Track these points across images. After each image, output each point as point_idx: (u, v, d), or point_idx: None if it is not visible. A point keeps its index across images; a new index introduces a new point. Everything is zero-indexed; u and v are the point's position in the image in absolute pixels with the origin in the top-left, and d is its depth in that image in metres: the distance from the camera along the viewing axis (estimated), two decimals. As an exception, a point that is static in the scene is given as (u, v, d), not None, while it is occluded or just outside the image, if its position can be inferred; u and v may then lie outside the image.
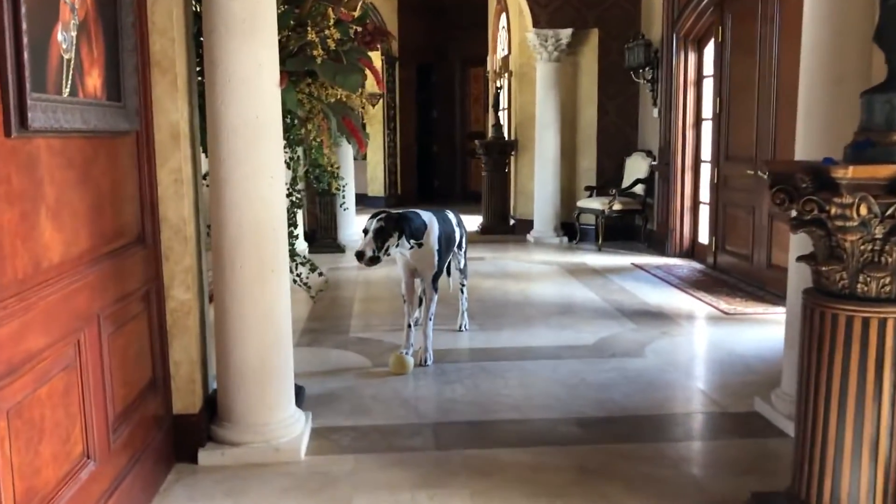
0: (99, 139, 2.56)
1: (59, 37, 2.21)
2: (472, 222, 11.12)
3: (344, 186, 4.00)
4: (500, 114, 11.09)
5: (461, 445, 3.45)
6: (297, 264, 3.88)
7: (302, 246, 8.82)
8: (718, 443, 3.53)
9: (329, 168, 3.79)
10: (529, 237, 9.82)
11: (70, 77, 2.28)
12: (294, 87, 3.54)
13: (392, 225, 4.33)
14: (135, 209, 2.97)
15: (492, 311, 6.04)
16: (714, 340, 5.18)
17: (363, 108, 8.11)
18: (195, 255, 3.29)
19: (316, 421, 3.71)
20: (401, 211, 4.52)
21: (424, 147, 15.63)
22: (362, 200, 14.10)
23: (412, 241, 4.43)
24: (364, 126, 3.95)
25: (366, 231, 4.30)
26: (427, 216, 4.62)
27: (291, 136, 3.75)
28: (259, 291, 3.25)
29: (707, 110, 8.07)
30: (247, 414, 3.31)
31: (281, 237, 3.33)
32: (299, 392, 3.95)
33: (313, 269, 3.90)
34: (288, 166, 3.78)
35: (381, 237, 4.27)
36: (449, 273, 5.52)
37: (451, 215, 5.00)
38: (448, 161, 15.84)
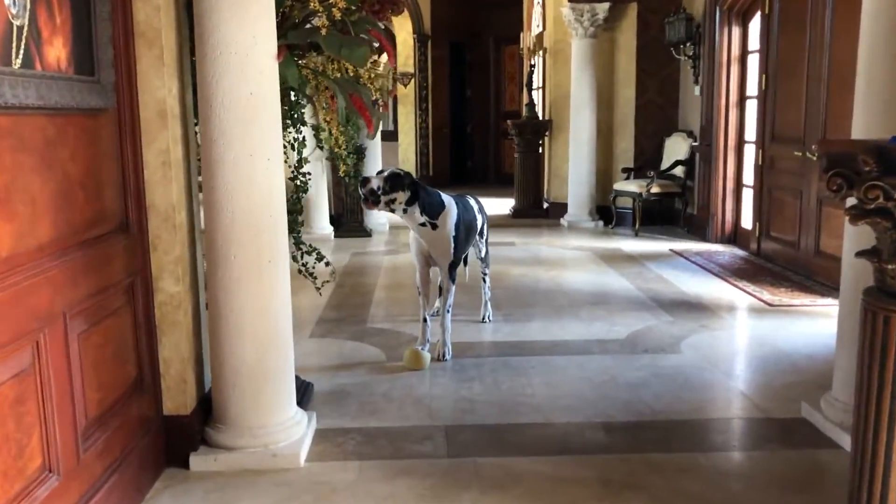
0: (65, 117, 2.31)
1: (7, 0, 1.95)
2: (505, 206, 10.81)
3: (354, 167, 3.71)
4: (534, 93, 10.70)
5: (475, 452, 3.16)
6: (302, 253, 3.62)
7: (327, 230, 8.64)
8: (761, 453, 3.19)
9: (337, 149, 3.49)
10: (563, 221, 9.46)
11: (23, 46, 2.02)
12: (296, 62, 3.26)
13: (409, 182, 4.09)
14: (116, 195, 2.72)
15: (519, 300, 5.72)
16: (757, 335, 4.80)
17: (390, 88, 7.79)
18: (187, 244, 3.03)
19: (321, 421, 3.46)
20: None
21: (457, 128, 15.29)
22: (394, 182, 13.84)
23: (425, 217, 4.14)
24: (376, 103, 3.62)
25: (380, 173, 4.07)
26: (447, 199, 4.32)
27: (296, 114, 3.47)
28: (255, 284, 2.98)
29: (752, 88, 7.61)
30: (242, 416, 3.06)
31: (280, 225, 3.06)
32: (307, 389, 3.71)
33: (320, 258, 3.63)
34: (293, 147, 3.51)
35: (392, 183, 4.01)
36: (465, 262, 5.23)
37: (472, 202, 4.70)
38: (482, 142, 15.49)
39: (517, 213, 10.20)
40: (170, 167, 2.91)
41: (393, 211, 4.06)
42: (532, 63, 10.77)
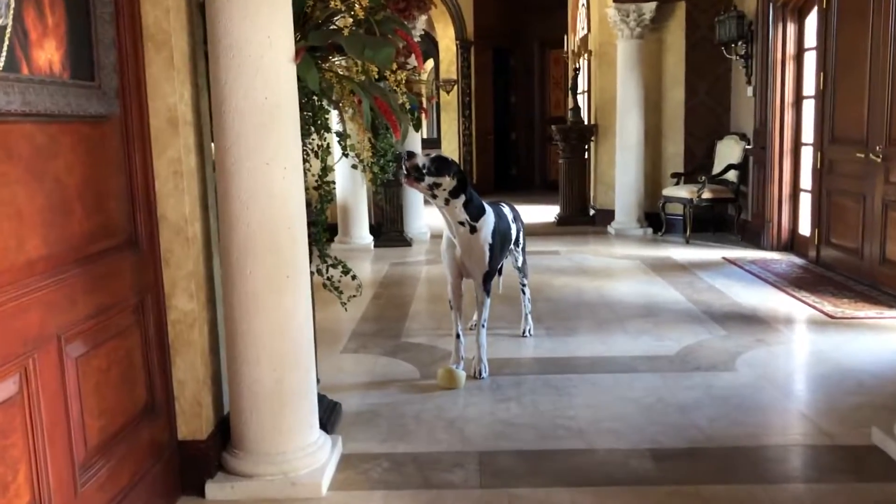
0: (59, 125, 2.15)
1: (-14, -1, 1.80)
2: (550, 213, 10.53)
3: (385, 176, 3.51)
4: (579, 97, 10.42)
5: (509, 482, 2.92)
6: (327, 266, 3.42)
7: (367, 240, 8.48)
8: (828, 486, 2.87)
9: (364, 157, 3.29)
10: (610, 229, 9.14)
11: (5, 48, 1.86)
12: (317, 64, 3.07)
13: (456, 170, 3.94)
14: (123, 207, 2.56)
15: (562, 312, 5.46)
16: (818, 351, 4.46)
17: (430, 94, 7.59)
18: (202, 258, 2.86)
19: (348, 445, 3.26)
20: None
21: (502, 134, 15.05)
22: (437, 191, 13.67)
23: (466, 217, 3.94)
24: (405, 107, 3.42)
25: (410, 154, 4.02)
26: (485, 205, 4.11)
27: (319, 120, 3.29)
28: (273, 301, 2.80)
29: (809, 87, 7.22)
30: (260, 442, 2.87)
31: (299, 238, 2.86)
32: (334, 410, 3.52)
33: (346, 271, 3.43)
34: (316, 155, 3.32)
35: (439, 165, 3.88)
36: (500, 272, 4.98)
37: (506, 210, 4.46)
38: (527, 148, 15.24)
39: (562, 221, 9.91)
40: (182, 177, 2.74)
41: (435, 197, 3.89)
42: (576, 66, 10.50)
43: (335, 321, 5.28)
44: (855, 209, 6.25)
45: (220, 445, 2.96)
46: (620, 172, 8.98)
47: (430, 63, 14.52)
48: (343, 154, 3.35)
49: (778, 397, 3.74)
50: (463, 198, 3.93)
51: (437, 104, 13.73)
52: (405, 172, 3.84)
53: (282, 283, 2.80)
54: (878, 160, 5.79)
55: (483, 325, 4.17)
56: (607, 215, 9.40)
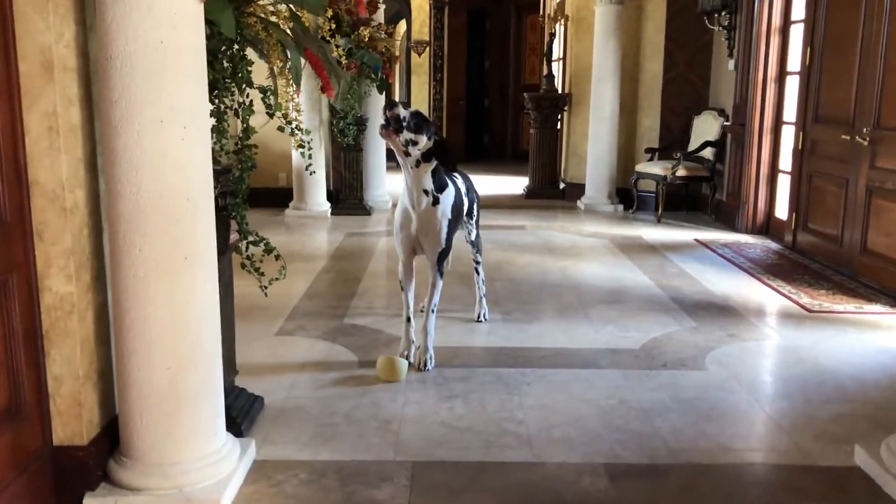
0: None
1: None
2: (519, 185, 10.12)
3: (310, 143, 3.05)
4: (554, 64, 9.95)
5: (442, 502, 2.53)
6: (247, 244, 2.97)
7: (324, 207, 8.00)
8: (804, 516, 2.53)
9: (283, 115, 2.82)
10: (580, 204, 8.75)
11: None
12: (235, 6, 2.59)
13: (434, 132, 3.57)
14: (-23, 169, 2.09)
15: (523, 295, 5.06)
16: (795, 348, 4.11)
17: (392, 55, 7.07)
18: (85, 232, 2.41)
19: (264, 450, 2.85)
20: None
21: (474, 101, 14.53)
22: (404, 157, 13.18)
23: (432, 188, 3.60)
24: (341, 62, 2.96)
25: (391, 103, 3.53)
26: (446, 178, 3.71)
27: (241, 73, 2.81)
28: (167, 286, 2.35)
29: (794, 63, 6.82)
30: (152, 449, 2.44)
31: (202, 211, 2.41)
32: (252, 406, 3.10)
33: (268, 249, 2.98)
34: (236, 114, 2.84)
35: (418, 122, 3.50)
36: None
37: (459, 183, 4.03)
38: (500, 117, 14.74)
39: (531, 194, 9.50)
40: (59, 135, 2.27)
41: (407, 156, 3.52)
42: (552, 32, 10.00)
43: (275, 297, 4.80)
44: (836, 194, 5.90)
45: (108, 452, 2.53)
46: (593, 145, 8.56)
47: (402, 25, 13.93)
48: (268, 114, 2.87)
49: (750, 403, 3.38)
50: (433, 163, 3.56)
51: (408, 67, 13.17)
52: (384, 122, 3.41)
53: (178, 266, 2.35)
54: (865, 143, 5.43)
55: (433, 311, 3.77)
56: (578, 189, 9.00)
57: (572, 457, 2.85)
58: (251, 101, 2.87)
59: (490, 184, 10.68)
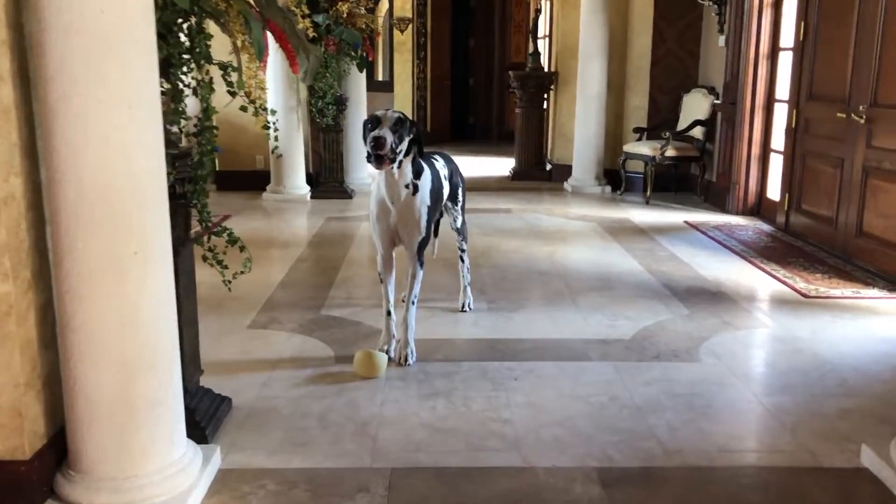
0: None
1: None
2: (505, 166, 9.89)
3: (275, 123, 2.81)
4: (540, 42, 9.70)
5: (423, 516, 2.34)
6: (209, 234, 2.74)
7: (303, 190, 7.75)
8: (811, 524, 2.35)
9: (246, 93, 2.59)
10: (567, 185, 8.54)
11: None
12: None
13: (410, 126, 3.27)
14: None
15: (509, 282, 4.86)
16: (793, 338, 3.93)
17: (372, 31, 6.77)
18: (24, 225, 2.18)
19: (230, 458, 2.64)
20: None
21: (459, 80, 14.27)
22: (387, 137, 12.90)
23: (412, 178, 3.37)
24: (308, 35, 2.72)
25: (375, 119, 3.19)
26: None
27: (199, 48, 2.56)
28: (115, 284, 2.12)
29: (787, 38, 6.61)
30: (102, 462, 2.23)
31: (153, 201, 2.18)
32: (220, 408, 2.89)
33: (232, 240, 2.76)
34: (195, 93, 2.60)
35: (401, 132, 3.20)
36: (436, 234, 4.35)
37: (440, 164, 3.80)
38: (485, 96, 14.48)
39: (517, 176, 9.28)
40: (-12, 115, 2.03)
41: (396, 165, 3.26)
42: (538, 7, 9.74)
43: (248, 287, 4.59)
44: (831, 174, 5.72)
45: (55, 466, 2.31)
46: (580, 125, 8.34)
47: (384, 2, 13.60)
48: (229, 92, 2.63)
49: (748, 398, 3.20)
50: (413, 154, 3.31)
51: (390, 45, 12.86)
52: (369, 151, 3.13)
53: (127, 261, 2.13)
54: (861, 121, 5.24)
55: (413, 303, 3.55)
56: (565, 171, 8.79)
57: (562, 461, 2.65)
58: (211, 78, 2.63)
59: (475, 165, 10.46)
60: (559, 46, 9.11)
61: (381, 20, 11.94)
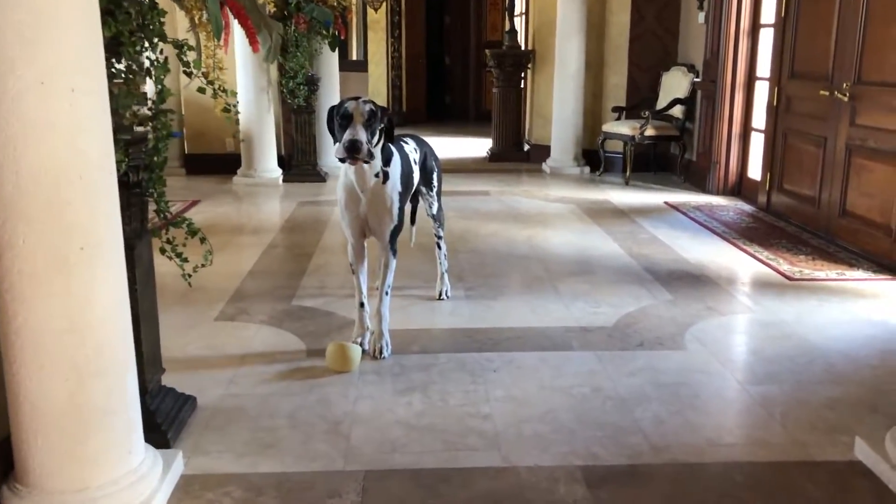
0: None
1: None
2: (482, 147, 9.74)
3: (236, 105, 2.63)
4: (517, 19, 9.52)
5: (398, 523, 2.21)
6: (167, 225, 2.57)
7: (275, 174, 7.55)
8: (804, 522, 2.25)
9: (204, 73, 2.41)
10: (545, 167, 8.40)
11: None
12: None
13: (381, 115, 3.05)
14: None
15: (488, 268, 4.73)
16: (779, 322, 3.83)
17: (344, 8, 6.55)
18: (-42, 219, 1.99)
19: (194, 462, 2.49)
20: None
21: (435, 59, 14.05)
22: (362, 118, 12.67)
23: (381, 166, 3.18)
24: (264, 9, 2.54)
25: (345, 115, 2.96)
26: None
27: (152, 25, 2.38)
28: (61, 283, 1.95)
29: (768, 14, 6.50)
30: (51, 475, 2.06)
31: (102, 191, 2.01)
32: (183, 409, 2.73)
33: (192, 231, 2.59)
34: (149, 74, 2.42)
35: (373, 125, 3.00)
36: (413, 221, 4.22)
37: (410, 147, 3.63)
38: (461, 75, 14.28)
39: (494, 157, 9.13)
40: (-86, 100, 1.84)
41: (370, 156, 3.04)
42: (514, -16, 9.55)
43: (216, 276, 4.43)
44: (813, 153, 5.63)
45: (1, 478, 2.15)
46: (558, 105, 8.19)
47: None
48: (185, 73, 2.45)
49: (735, 387, 3.10)
50: (383, 141, 3.13)
51: (364, 23, 12.59)
52: (344, 151, 2.94)
53: (73, 257, 1.95)
54: (845, 99, 5.14)
55: (387, 293, 3.40)
56: (543, 151, 8.64)
57: (545, 459, 2.53)
58: (166, 58, 2.45)
59: (452, 146, 10.31)
60: (536, 24, 8.94)
61: (354, -2, 11.69)
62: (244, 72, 7.17)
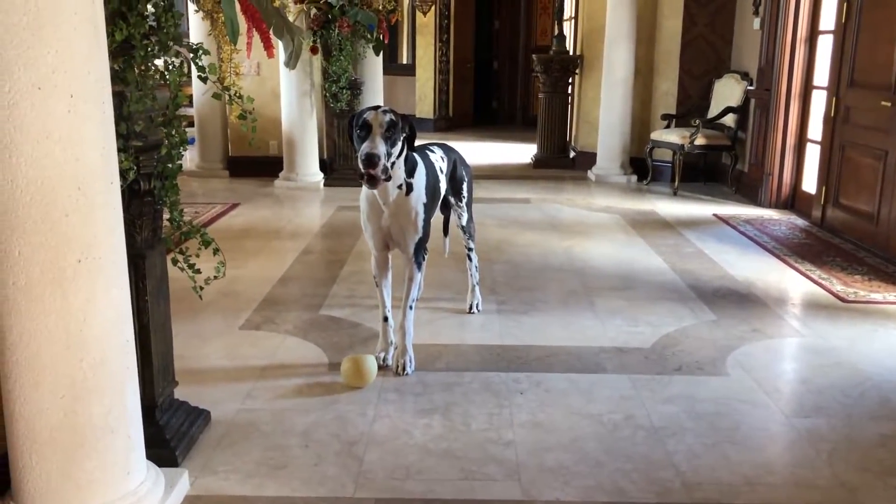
0: None
1: None
2: (527, 153, 9.57)
3: (252, 113, 2.53)
4: (565, 24, 9.33)
5: (405, 559, 2.08)
6: (181, 237, 2.49)
7: (317, 177, 7.50)
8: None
9: (220, 79, 2.32)
10: (591, 174, 8.20)
11: None
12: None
13: (402, 124, 2.92)
14: None
15: (522, 280, 4.57)
16: (829, 349, 3.60)
17: (388, 11, 6.45)
18: (-43, 228, 1.93)
19: (200, 483, 2.40)
20: None
21: (483, 63, 13.92)
22: (408, 122, 12.60)
23: (404, 178, 3.06)
24: (281, 12, 2.44)
25: (364, 125, 2.84)
26: (414, 154, 3.18)
27: (167, 29, 2.29)
28: (57, 297, 1.87)
29: (827, 20, 6.20)
30: (45, 496, 1.99)
31: (101, 202, 1.92)
32: (194, 424, 2.64)
33: (205, 242, 2.50)
34: (162, 78, 2.34)
35: (393, 137, 2.87)
36: (446, 232, 4.09)
37: (436, 155, 3.52)
38: (510, 80, 14.11)
39: (539, 163, 8.95)
40: (-90, 106, 1.78)
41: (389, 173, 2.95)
42: (563, -12, 9.36)
43: (247, 282, 4.38)
44: (872, 166, 5.34)
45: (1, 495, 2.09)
46: (605, 111, 7.97)
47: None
48: (200, 78, 2.36)
49: (780, 420, 2.89)
50: (405, 152, 3.01)
51: (412, 27, 12.53)
52: (363, 169, 2.84)
53: (70, 271, 1.87)
54: (908, 110, 4.85)
55: (411, 307, 3.28)
56: (589, 158, 8.44)
57: (567, 493, 2.37)
58: (182, 62, 2.36)
59: (497, 152, 10.17)
60: (585, 29, 8.74)
61: (406, 1, 11.63)
62: (287, 75, 7.14)
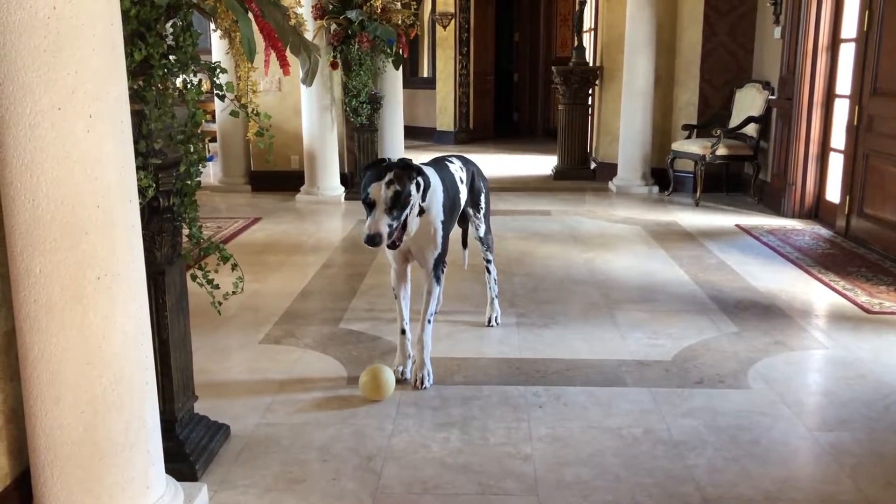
0: None
1: None
2: (548, 165, 9.56)
3: (269, 130, 2.54)
4: (585, 35, 9.33)
5: (422, 575, 2.07)
6: (200, 252, 2.52)
7: (338, 191, 7.55)
8: None
9: (237, 97, 2.34)
10: (611, 185, 8.17)
11: None
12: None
13: (406, 179, 2.88)
14: None
15: (542, 293, 4.56)
16: (853, 361, 3.55)
17: (406, 25, 6.49)
18: (-20, 246, 1.97)
19: (219, 497, 2.42)
20: (398, 159, 3.03)
21: (503, 76, 13.96)
22: (429, 135, 12.68)
23: (420, 204, 3.06)
24: (298, 31, 2.46)
25: (367, 200, 2.84)
26: (429, 171, 3.17)
27: (184, 48, 2.33)
28: (77, 313, 1.90)
29: (849, 28, 6.15)
30: (66, 510, 2.01)
31: (120, 220, 1.95)
32: (213, 439, 2.66)
33: (224, 258, 2.52)
34: (181, 96, 2.37)
35: (397, 205, 2.84)
36: (465, 244, 4.10)
37: (454, 167, 3.52)
38: (530, 92, 14.13)
39: (559, 175, 8.94)
40: (-65, 127, 1.82)
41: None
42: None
43: (267, 296, 4.41)
44: (897, 176, 5.27)
45: (20, 507, 2.11)
46: (626, 122, 7.96)
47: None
48: (217, 96, 2.39)
49: (802, 434, 2.85)
50: (422, 185, 3.01)
51: (433, 41, 12.60)
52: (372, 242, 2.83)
53: (90, 287, 1.90)
54: (932, 119, 4.79)
55: (429, 321, 3.28)
56: (609, 170, 8.42)
57: (586, 508, 2.36)
58: (200, 80, 2.40)
59: (517, 164, 10.18)
60: (605, 40, 8.74)
61: (426, 15, 11.69)
62: (307, 91, 7.20)
